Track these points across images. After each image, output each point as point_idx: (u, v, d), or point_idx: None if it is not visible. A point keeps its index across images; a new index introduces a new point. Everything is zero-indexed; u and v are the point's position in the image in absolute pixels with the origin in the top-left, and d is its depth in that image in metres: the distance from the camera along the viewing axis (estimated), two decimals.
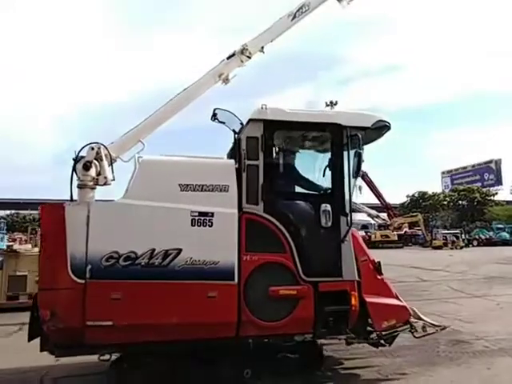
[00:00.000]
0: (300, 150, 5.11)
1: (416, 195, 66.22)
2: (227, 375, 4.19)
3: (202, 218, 3.99)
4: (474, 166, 77.84)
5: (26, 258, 9.66)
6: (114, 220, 3.91)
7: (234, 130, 5.07)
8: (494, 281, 13.26)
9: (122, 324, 3.75)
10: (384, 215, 45.98)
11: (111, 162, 4.39)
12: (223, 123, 5.15)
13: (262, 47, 5.58)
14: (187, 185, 4.06)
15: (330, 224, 4.35)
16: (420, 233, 44.59)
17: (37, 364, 5.30)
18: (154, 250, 3.86)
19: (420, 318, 5.10)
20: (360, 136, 4.42)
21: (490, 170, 74.28)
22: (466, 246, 42.95)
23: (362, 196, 4.74)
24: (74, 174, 4.14)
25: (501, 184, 70.65)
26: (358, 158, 4.44)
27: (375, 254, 5.10)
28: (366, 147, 4.82)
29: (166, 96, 5.14)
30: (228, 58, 5.35)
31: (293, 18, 5.71)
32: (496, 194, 66.72)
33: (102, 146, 4.30)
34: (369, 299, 4.52)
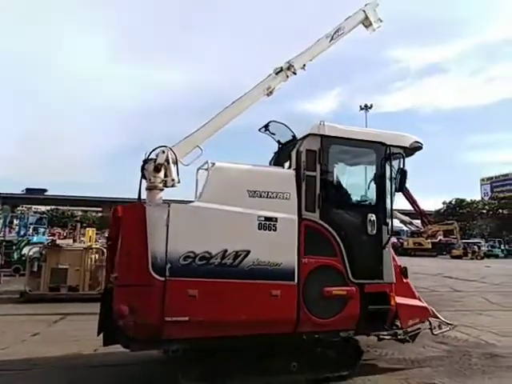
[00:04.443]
0: (350, 164, 5.59)
1: (453, 202, 64.04)
2: (276, 368, 4.48)
3: (268, 223, 4.32)
4: None
5: (68, 253, 10.28)
6: (191, 221, 4.13)
7: (278, 141, 5.70)
8: None
9: (197, 320, 3.97)
10: (418, 222, 44.76)
11: (177, 165, 4.63)
12: (273, 134, 5.68)
13: (304, 65, 5.98)
14: (254, 191, 4.38)
15: (374, 232, 4.81)
16: (455, 241, 43.04)
17: (78, 352, 5.67)
18: (226, 250, 4.13)
19: (436, 317, 5.68)
20: (404, 154, 4.96)
21: None
22: (506, 256, 41.09)
23: (394, 202, 5.08)
24: (142, 175, 4.44)
25: None
26: (403, 174, 4.88)
27: (405, 262, 5.21)
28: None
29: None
30: (276, 73, 5.71)
31: (330, 40, 6.15)
32: None
33: (170, 150, 4.52)
34: (397, 300, 4.91)
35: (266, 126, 5.63)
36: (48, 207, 71.09)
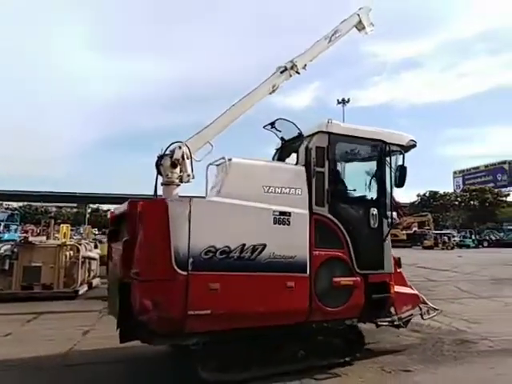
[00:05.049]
0: (353, 160, 5.80)
1: (427, 195, 65.73)
2: (283, 356, 4.62)
3: (282, 217, 4.46)
4: (486, 166, 76.91)
5: (41, 250, 9.97)
6: (212, 216, 4.17)
7: (281, 138, 5.86)
8: (502, 282, 13.17)
9: (218, 313, 4.04)
10: (393, 214, 45.72)
11: (191, 161, 4.66)
12: (279, 131, 5.79)
13: (305, 65, 6.11)
14: (269, 187, 4.51)
15: (376, 225, 5.13)
16: (429, 233, 44.27)
17: (52, 352, 5.54)
18: (244, 244, 4.22)
19: (425, 303, 6.27)
20: (403, 152, 5.27)
21: (503, 171, 73.24)
22: (476, 246, 42.60)
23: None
24: (158, 170, 4.46)
25: None
26: (403, 171, 5.15)
27: None
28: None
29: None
30: (281, 72, 5.83)
31: (329, 41, 6.35)
32: (508, 195, 66.05)
33: (185, 146, 4.56)
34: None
35: (272, 124, 5.70)
36: (20, 203, 68.83)
